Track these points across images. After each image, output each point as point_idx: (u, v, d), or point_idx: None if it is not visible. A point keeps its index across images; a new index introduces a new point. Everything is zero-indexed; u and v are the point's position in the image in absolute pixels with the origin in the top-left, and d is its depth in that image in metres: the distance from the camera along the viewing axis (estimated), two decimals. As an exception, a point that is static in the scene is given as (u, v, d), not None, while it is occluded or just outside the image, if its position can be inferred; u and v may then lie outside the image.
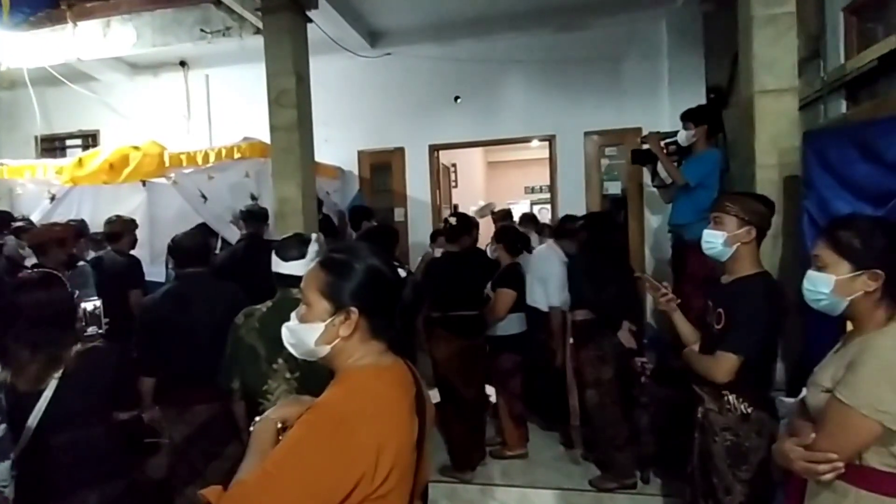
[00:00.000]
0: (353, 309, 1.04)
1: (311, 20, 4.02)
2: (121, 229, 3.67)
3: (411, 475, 1.04)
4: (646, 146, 3.72)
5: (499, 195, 8.71)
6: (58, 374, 1.75)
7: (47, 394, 1.72)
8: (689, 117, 3.53)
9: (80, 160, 4.32)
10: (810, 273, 1.45)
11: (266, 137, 3.97)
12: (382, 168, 5.86)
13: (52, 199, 4.34)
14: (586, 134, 5.25)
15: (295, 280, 1.94)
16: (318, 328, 1.04)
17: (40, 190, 4.43)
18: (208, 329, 2.35)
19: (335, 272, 1.07)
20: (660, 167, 3.69)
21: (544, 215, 7.94)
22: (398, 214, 5.78)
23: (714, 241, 1.92)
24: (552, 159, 5.48)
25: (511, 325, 3.47)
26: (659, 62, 5.02)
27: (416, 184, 5.76)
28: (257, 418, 1.13)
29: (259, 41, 3.97)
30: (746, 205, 1.92)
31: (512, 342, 3.48)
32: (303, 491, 0.90)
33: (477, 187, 8.93)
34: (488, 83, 5.44)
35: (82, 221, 3.96)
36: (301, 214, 3.74)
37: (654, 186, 4.04)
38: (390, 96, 5.64)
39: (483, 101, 5.48)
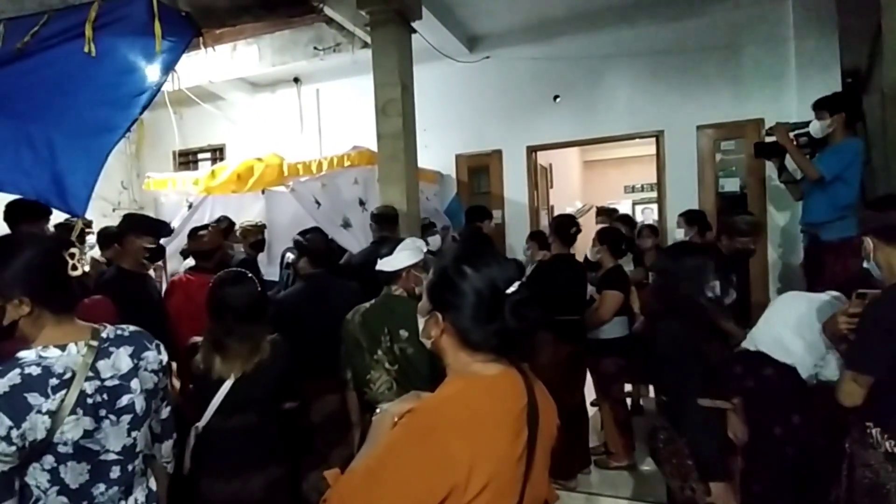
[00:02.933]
0: (436, 312, 1.05)
1: (415, 31, 4.17)
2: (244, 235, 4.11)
3: (514, 489, 0.99)
4: (771, 138, 3.42)
5: (596, 196, 8.42)
6: (252, 364, 1.91)
7: (228, 382, 1.89)
8: (823, 106, 3.19)
9: (213, 172, 4.79)
10: None
11: (372, 145, 4.17)
12: (480, 171, 5.90)
13: (190, 206, 4.88)
14: (699, 128, 4.92)
15: (385, 275, 2.11)
16: (421, 322, 1.10)
17: (180, 199, 4.98)
18: (331, 325, 2.52)
19: (433, 273, 1.11)
20: (788, 160, 3.37)
21: (648, 215, 7.58)
22: (495, 217, 5.75)
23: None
24: (660, 156, 5.18)
25: (614, 328, 3.35)
26: (784, 46, 4.57)
27: (514, 186, 5.74)
28: (377, 409, 1.17)
29: (365, 54, 4.18)
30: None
31: (615, 346, 3.36)
32: (397, 492, 0.91)
33: (573, 188, 8.69)
34: (589, 80, 5.28)
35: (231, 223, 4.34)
36: (406, 217, 3.89)
37: (782, 182, 3.70)
38: (488, 99, 5.68)
39: (583, 98, 5.34)
